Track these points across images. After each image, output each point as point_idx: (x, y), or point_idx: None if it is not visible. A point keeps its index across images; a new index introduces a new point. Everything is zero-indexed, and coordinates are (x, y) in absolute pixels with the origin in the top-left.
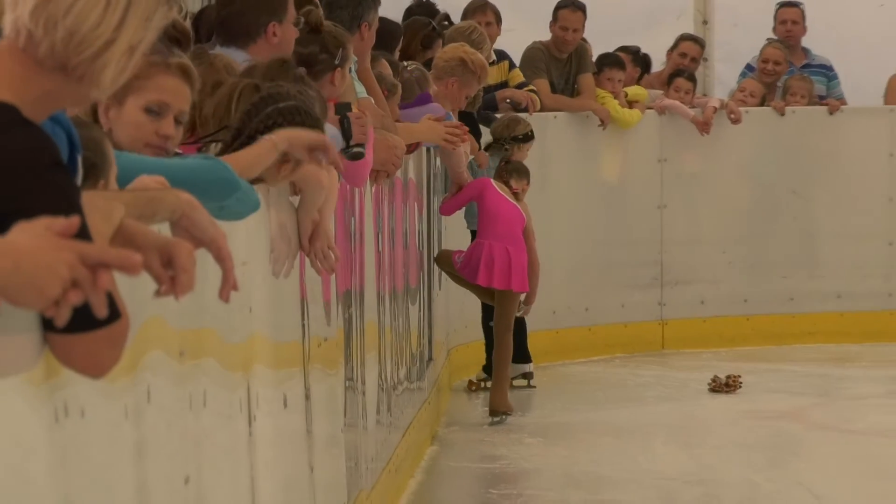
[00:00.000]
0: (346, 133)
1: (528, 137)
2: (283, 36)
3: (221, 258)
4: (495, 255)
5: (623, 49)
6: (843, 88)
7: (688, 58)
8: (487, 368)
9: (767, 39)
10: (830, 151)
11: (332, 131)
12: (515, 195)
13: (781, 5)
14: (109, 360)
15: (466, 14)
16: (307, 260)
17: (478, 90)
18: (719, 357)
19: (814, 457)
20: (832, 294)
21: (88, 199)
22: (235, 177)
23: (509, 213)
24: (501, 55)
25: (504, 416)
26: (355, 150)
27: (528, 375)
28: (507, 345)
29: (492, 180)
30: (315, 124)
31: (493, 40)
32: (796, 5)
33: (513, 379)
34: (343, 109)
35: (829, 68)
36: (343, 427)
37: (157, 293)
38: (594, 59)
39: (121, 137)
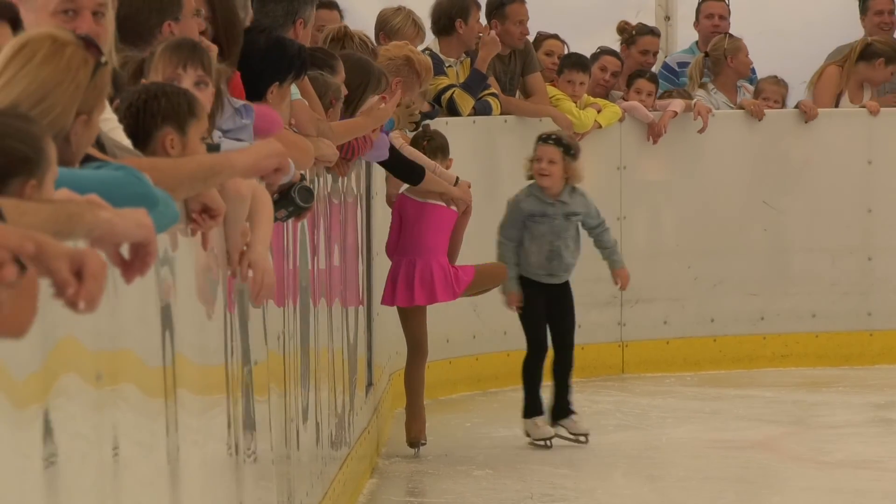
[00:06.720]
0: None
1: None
2: (182, 33)
3: (148, 252)
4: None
5: (612, 54)
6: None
7: (649, 53)
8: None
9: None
10: (804, 159)
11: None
12: None
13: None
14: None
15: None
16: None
17: (419, 93)
18: (684, 381)
19: (787, 490)
20: (806, 313)
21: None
22: (152, 191)
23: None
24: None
25: (422, 445)
26: (301, 186)
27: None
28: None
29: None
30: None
31: None
32: None
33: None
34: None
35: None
36: (275, 459)
37: (65, 301)
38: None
39: None
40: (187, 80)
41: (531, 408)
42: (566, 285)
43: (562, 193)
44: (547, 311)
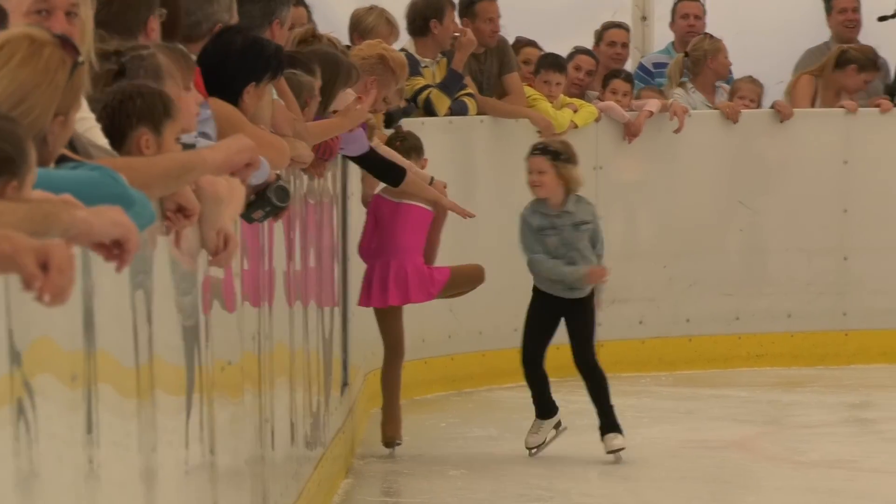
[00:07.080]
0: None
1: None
2: (157, 28)
3: (126, 250)
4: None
5: (585, 53)
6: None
7: (617, 45)
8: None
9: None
10: (781, 159)
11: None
12: None
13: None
14: None
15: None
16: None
17: (395, 90)
18: (659, 381)
19: (762, 490)
20: (782, 313)
21: None
22: (128, 191)
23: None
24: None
25: (397, 445)
26: (277, 186)
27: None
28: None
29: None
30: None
31: None
32: None
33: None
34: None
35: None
36: (249, 459)
37: (34, 296)
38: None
39: None
40: (193, 88)
41: (537, 409)
42: (587, 299)
43: (566, 203)
44: (567, 327)
